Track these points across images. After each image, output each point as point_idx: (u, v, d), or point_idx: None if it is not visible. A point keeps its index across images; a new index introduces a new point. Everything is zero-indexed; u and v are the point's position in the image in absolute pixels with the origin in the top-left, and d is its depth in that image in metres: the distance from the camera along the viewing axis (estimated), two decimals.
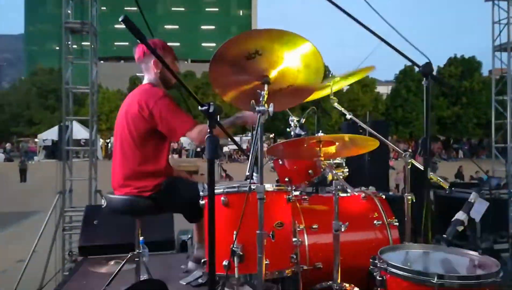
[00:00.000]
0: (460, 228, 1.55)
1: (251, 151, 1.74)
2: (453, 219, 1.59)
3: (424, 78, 2.07)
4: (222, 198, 2.02)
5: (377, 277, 1.43)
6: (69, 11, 5.75)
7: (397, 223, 2.44)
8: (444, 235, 1.56)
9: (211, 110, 1.63)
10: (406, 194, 2.19)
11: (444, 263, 1.46)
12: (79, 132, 13.50)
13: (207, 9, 61.19)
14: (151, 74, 2.63)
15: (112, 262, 3.20)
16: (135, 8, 4.69)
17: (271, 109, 1.83)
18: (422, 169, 2.06)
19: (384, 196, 2.63)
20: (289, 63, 1.95)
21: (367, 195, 2.59)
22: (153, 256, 3.37)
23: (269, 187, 2.05)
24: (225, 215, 2.02)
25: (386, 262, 1.41)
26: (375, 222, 2.44)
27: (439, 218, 4.58)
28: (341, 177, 2.16)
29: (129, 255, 2.55)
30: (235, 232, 1.91)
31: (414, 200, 2.24)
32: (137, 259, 2.52)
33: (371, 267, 1.46)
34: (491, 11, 7.53)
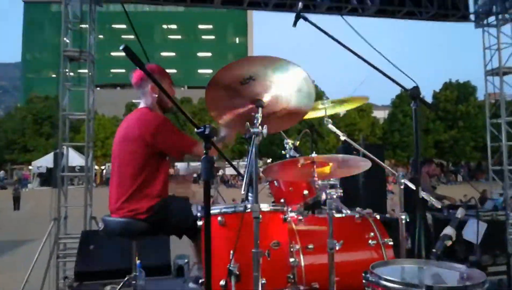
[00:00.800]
0: (448, 243, 1.59)
1: (246, 172, 1.78)
2: (441, 234, 1.64)
3: (413, 101, 2.16)
4: (219, 218, 2.05)
5: None
6: (67, 40, 5.89)
7: (392, 243, 2.48)
8: (434, 250, 1.60)
9: (206, 132, 1.69)
10: (399, 213, 2.23)
11: (433, 276, 1.50)
12: (74, 159, 13.44)
13: (203, 37, 62.43)
14: (148, 98, 2.68)
15: (108, 288, 3.19)
16: (132, 36, 4.81)
17: (265, 131, 1.89)
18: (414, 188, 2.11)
19: (378, 217, 2.67)
20: (282, 87, 2.03)
21: (362, 216, 2.63)
22: (150, 281, 3.36)
23: (265, 207, 2.09)
24: (222, 235, 2.05)
25: (377, 276, 1.45)
26: (370, 242, 2.47)
27: (437, 239, 4.58)
28: (335, 197, 2.21)
29: (126, 278, 2.55)
30: (231, 252, 1.94)
31: (408, 220, 2.28)
32: (134, 281, 2.52)
33: (363, 281, 1.49)
34: (482, 37, 7.81)
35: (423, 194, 2.14)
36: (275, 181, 2.84)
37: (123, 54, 1.53)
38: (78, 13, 5.84)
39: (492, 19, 7.71)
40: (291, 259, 2.15)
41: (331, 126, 2.68)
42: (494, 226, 4.55)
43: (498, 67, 7.55)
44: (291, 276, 2.10)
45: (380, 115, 42.99)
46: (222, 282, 1.96)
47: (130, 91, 2.92)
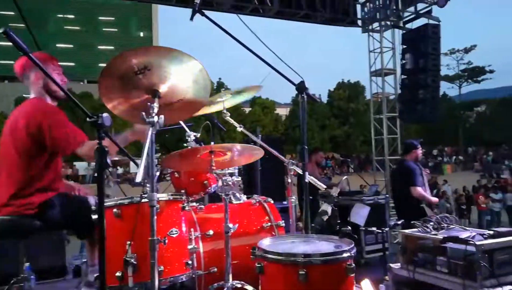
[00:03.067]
0: (325, 217, 1.82)
1: (141, 160, 1.77)
2: (319, 211, 1.86)
3: (300, 94, 2.39)
4: (115, 210, 2.04)
5: (256, 265, 1.61)
6: None
7: (284, 224, 2.70)
8: (313, 224, 1.82)
9: (99, 121, 1.67)
10: (289, 197, 2.44)
11: (312, 246, 1.70)
12: None
13: (104, 29, 58.75)
14: (35, 88, 2.50)
15: None
16: (22, 25, 4.43)
17: (161, 120, 1.92)
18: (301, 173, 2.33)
19: (272, 202, 2.87)
20: (178, 78, 2.08)
21: (258, 201, 2.81)
22: (42, 284, 3.16)
23: (163, 196, 2.13)
24: (118, 227, 2.03)
25: (262, 250, 1.60)
26: (264, 225, 2.66)
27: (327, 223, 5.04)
28: (231, 184, 2.33)
29: (12, 282, 2.37)
30: (128, 242, 1.94)
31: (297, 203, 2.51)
32: (22, 284, 2.36)
33: (251, 256, 1.63)
34: (367, 41, 8.73)
35: (309, 178, 2.37)
36: (175, 173, 2.87)
37: (11, 43, 1.45)
38: None
39: (376, 25, 8.66)
40: (190, 246, 2.22)
41: (228, 118, 2.80)
42: (376, 209, 5.15)
43: (381, 69, 8.54)
44: (190, 262, 2.17)
45: (283, 112, 45.11)
46: (118, 274, 1.95)
47: (21, 84, 2.69)
